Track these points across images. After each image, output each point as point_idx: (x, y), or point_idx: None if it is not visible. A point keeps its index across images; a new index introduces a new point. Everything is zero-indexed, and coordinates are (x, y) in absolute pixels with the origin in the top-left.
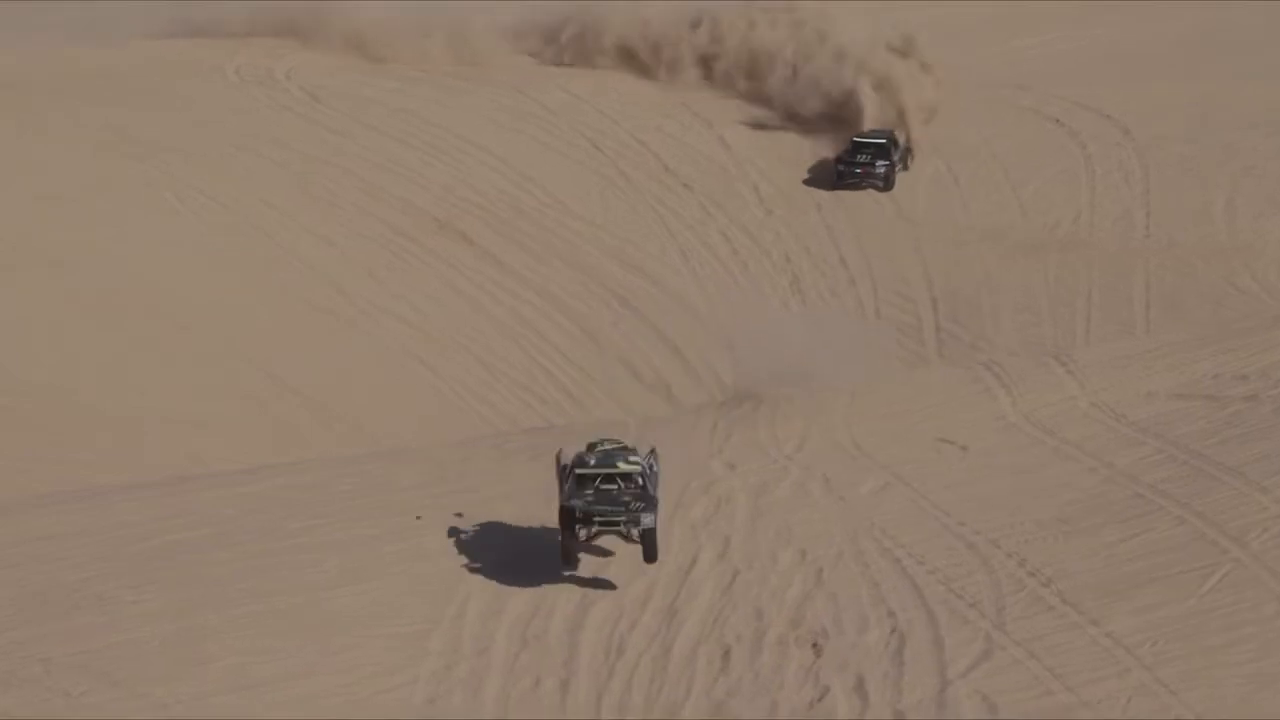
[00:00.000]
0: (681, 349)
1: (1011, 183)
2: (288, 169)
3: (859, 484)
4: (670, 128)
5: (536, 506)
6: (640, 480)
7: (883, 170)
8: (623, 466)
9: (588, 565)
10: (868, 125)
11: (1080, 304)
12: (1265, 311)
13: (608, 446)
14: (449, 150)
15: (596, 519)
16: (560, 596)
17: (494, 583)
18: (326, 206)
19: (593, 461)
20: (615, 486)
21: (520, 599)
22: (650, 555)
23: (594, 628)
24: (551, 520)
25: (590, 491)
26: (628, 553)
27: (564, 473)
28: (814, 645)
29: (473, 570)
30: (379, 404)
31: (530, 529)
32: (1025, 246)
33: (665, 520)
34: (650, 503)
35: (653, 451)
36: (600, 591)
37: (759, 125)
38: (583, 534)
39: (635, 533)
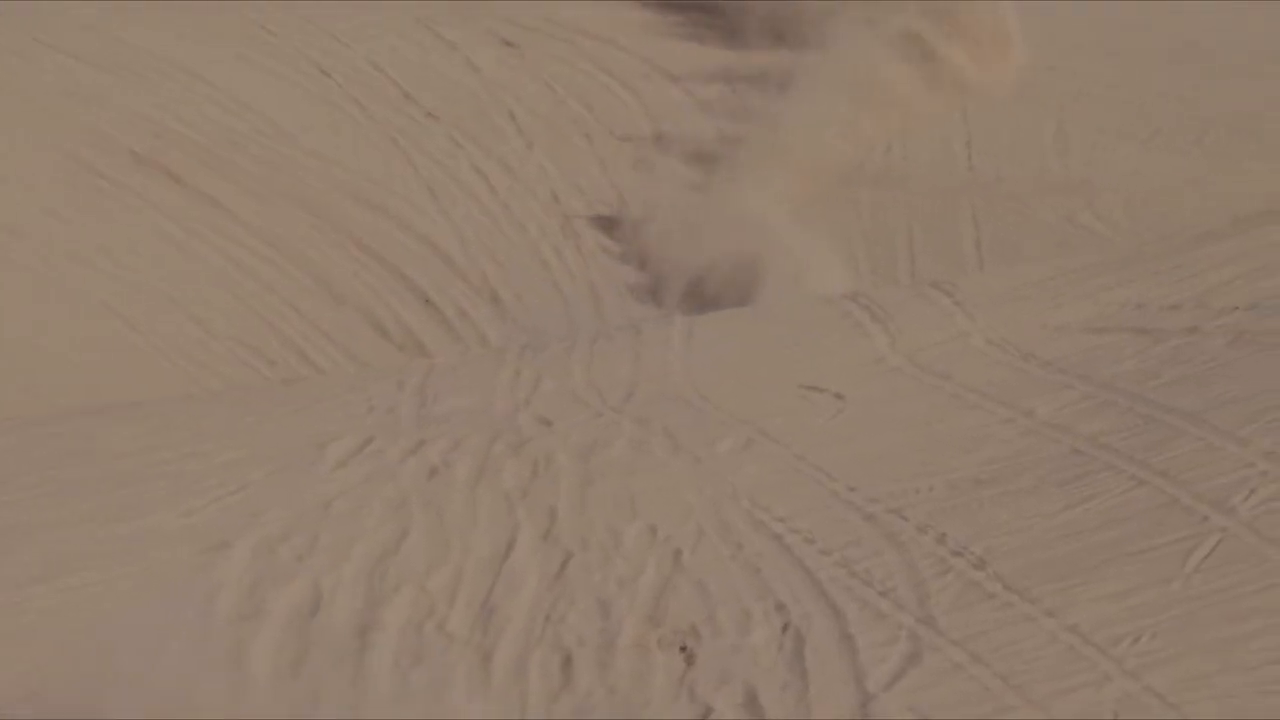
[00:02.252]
0: (435, 301)
1: None
2: None
3: (714, 441)
4: (408, 50)
5: (298, 472)
6: None
7: None
8: None
9: (375, 542)
10: None
11: (901, 245)
12: (1114, 250)
13: None
14: (148, 74)
15: None
16: (343, 588)
17: (254, 569)
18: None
19: None
20: None
21: (290, 591)
22: None
23: (390, 628)
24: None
25: None
26: (424, 527)
27: None
28: (683, 649)
29: (224, 556)
30: (70, 368)
31: (297, 498)
32: (832, 181)
33: (469, 489)
34: None
35: None
36: (394, 580)
37: (511, 45)
38: None
39: None
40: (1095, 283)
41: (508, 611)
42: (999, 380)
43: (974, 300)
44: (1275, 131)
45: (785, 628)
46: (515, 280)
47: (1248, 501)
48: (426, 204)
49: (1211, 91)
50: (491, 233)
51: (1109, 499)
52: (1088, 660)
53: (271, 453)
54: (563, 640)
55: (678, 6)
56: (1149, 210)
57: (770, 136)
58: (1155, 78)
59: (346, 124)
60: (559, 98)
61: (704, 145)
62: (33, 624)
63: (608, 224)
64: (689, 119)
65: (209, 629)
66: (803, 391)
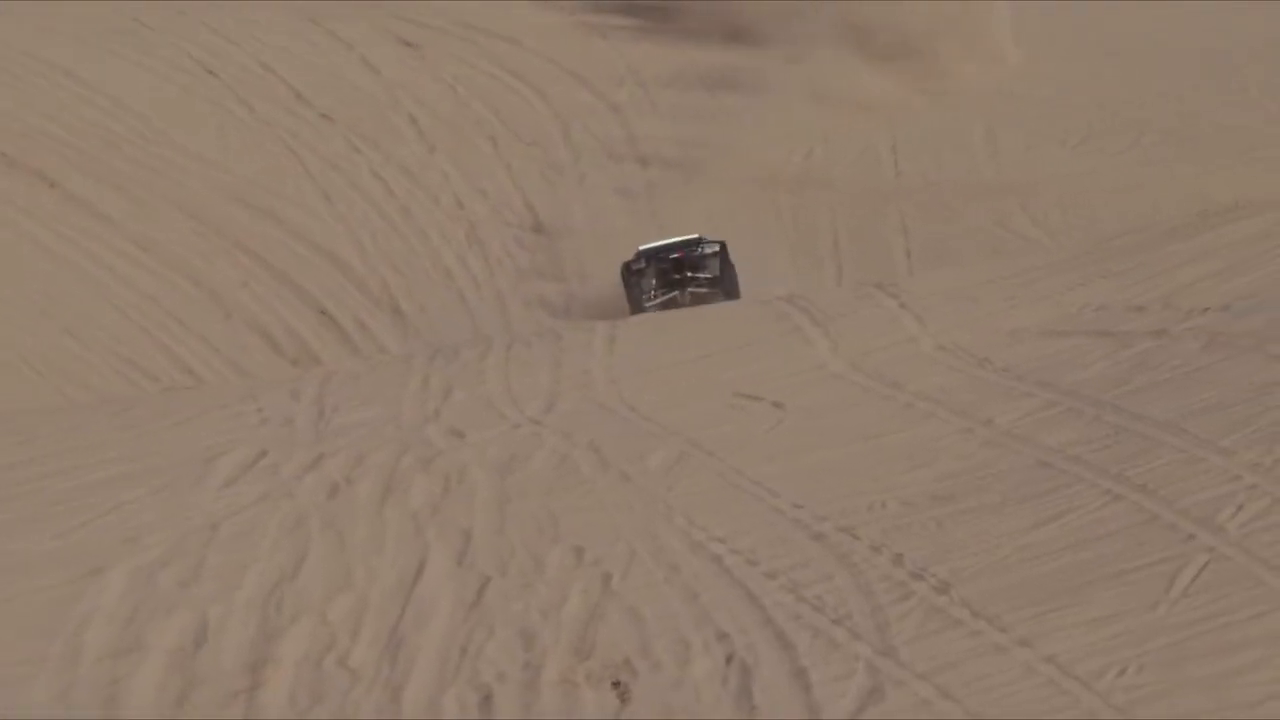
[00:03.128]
0: (331, 312)
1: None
2: None
3: (644, 455)
4: (299, 49)
5: (182, 490)
6: None
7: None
8: None
9: (269, 568)
10: None
11: (826, 252)
12: (1070, 249)
13: None
14: (16, 71)
15: None
16: (232, 616)
17: (131, 598)
18: None
19: None
20: None
21: (173, 622)
22: None
23: (286, 663)
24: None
25: None
26: (324, 551)
27: None
28: (615, 684)
29: (96, 584)
30: None
31: (180, 519)
32: (754, 184)
33: (374, 508)
34: None
35: None
36: (291, 610)
37: (410, 45)
38: None
39: None
40: (1052, 282)
41: (418, 644)
42: (952, 388)
43: (921, 302)
44: (1210, 135)
45: (729, 659)
46: (417, 290)
47: (1236, 518)
48: (321, 209)
49: (1154, 94)
50: (391, 240)
51: (1082, 516)
52: (1070, 695)
53: (151, 468)
54: (480, 676)
55: (588, 6)
56: (1082, 213)
57: (731, 141)
58: (1095, 78)
59: (233, 125)
60: (462, 99)
61: (616, 148)
62: None
63: (517, 231)
64: (600, 122)
65: (80, 665)
66: (738, 400)
